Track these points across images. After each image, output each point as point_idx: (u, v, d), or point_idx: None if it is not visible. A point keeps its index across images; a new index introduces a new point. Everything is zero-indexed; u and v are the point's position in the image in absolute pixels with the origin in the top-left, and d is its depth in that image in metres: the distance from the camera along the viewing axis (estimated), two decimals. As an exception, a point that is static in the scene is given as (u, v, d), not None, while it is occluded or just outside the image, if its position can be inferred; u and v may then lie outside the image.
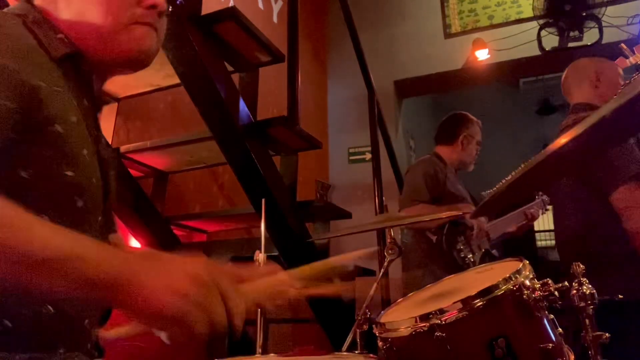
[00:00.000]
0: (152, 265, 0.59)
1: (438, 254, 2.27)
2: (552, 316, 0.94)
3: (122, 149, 2.12)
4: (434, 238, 2.31)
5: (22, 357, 0.68)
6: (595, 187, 1.64)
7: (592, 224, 1.68)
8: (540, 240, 9.13)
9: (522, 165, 0.80)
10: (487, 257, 2.42)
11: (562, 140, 0.67)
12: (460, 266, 2.23)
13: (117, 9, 0.81)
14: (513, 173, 0.83)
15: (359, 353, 1.20)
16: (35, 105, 0.70)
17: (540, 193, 2.54)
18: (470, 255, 2.29)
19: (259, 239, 1.41)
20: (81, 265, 0.56)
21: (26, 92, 0.69)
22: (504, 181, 0.90)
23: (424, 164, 2.55)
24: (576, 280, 0.90)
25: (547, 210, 2.60)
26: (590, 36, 3.84)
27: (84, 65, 0.82)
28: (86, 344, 0.80)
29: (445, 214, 1.79)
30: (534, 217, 2.52)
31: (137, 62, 0.85)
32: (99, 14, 0.81)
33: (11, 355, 0.68)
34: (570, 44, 3.90)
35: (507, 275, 0.92)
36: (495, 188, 0.98)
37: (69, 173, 0.74)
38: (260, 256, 1.34)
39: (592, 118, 0.61)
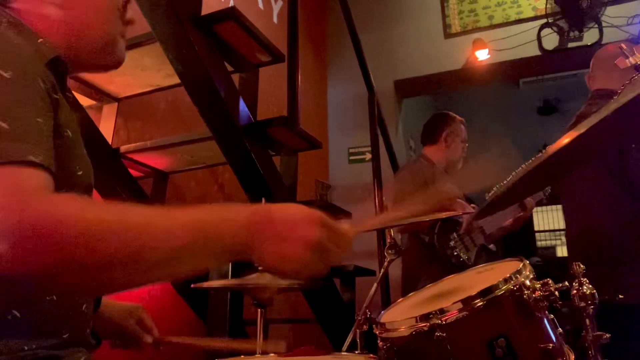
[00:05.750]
0: (268, 231, 0.65)
1: (434, 255, 2.26)
2: (552, 316, 0.94)
3: (122, 149, 2.11)
4: (426, 238, 2.30)
5: (30, 345, 0.71)
6: (627, 181, 1.59)
7: (622, 220, 1.62)
8: (540, 240, 9.13)
9: (523, 166, 0.80)
10: (484, 252, 2.40)
11: (562, 141, 0.67)
12: (457, 265, 2.21)
13: (112, 23, 0.88)
14: (514, 173, 0.83)
15: (359, 353, 1.20)
16: (56, 116, 0.72)
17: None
18: (464, 254, 2.27)
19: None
20: (212, 246, 0.61)
21: (53, 105, 0.71)
22: (504, 182, 0.90)
23: (410, 166, 2.56)
24: (576, 280, 0.90)
25: (545, 195, 2.52)
26: (590, 36, 3.84)
27: (61, 66, 0.83)
28: (85, 329, 0.83)
29: (444, 213, 1.78)
30: (530, 207, 2.46)
31: (113, 68, 0.93)
32: (97, 25, 0.86)
33: (21, 343, 0.70)
34: (570, 44, 3.90)
35: (508, 275, 0.92)
36: (496, 188, 0.97)
37: (80, 173, 0.79)
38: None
39: (594, 118, 0.61)
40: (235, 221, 0.64)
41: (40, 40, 0.80)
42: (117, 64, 0.92)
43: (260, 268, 0.72)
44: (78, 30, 0.84)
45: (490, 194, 1.05)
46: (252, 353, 1.04)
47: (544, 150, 0.74)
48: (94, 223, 0.54)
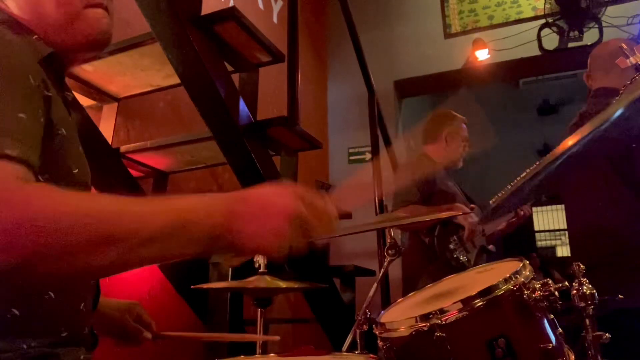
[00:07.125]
0: (244, 210, 0.65)
1: (434, 256, 2.26)
2: (552, 316, 0.94)
3: (122, 149, 2.11)
4: (426, 240, 2.30)
5: (29, 344, 0.71)
6: (633, 179, 1.55)
7: (627, 218, 1.58)
8: (540, 240, 9.13)
9: (527, 170, 0.80)
10: (484, 253, 2.40)
11: (568, 142, 0.67)
12: (457, 268, 2.20)
13: None
14: (518, 178, 0.83)
15: (359, 353, 1.20)
16: (48, 113, 0.72)
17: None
18: (464, 256, 2.27)
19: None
20: (189, 229, 0.61)
21: (45, 101, 0.71)
22: (509, 186, 0.90)
23: (411, 163, 2.55)
24: (576, 280, 0.90)
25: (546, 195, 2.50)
26: (590, 36, 3.84)
27: (56, 62, 0.83)
28: (84, 328, 0.83)
29: (445, 213, 1.78)
30: (525, 215, 2.46)
31: (97, 45, 0.89)
32: (51, 7, 0.83)
33: (20, 342, 0.70)
34: (570, 44, 3.90)
35: (507, 275, 0.92)
36: (500, 194, 0.97)
37: (75, 171, 0.79)
38: (261, 259, 1.33)
39: (597, 119, 0.61)
40: (211, 205, 0.64)
41: (35, 37, 0.81)
42: (99, 36, 0.87)
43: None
44: (40, 14, 0.82)
45: (494, 199, 1.04)
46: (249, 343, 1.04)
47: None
48: (67, 212, 0.54)
